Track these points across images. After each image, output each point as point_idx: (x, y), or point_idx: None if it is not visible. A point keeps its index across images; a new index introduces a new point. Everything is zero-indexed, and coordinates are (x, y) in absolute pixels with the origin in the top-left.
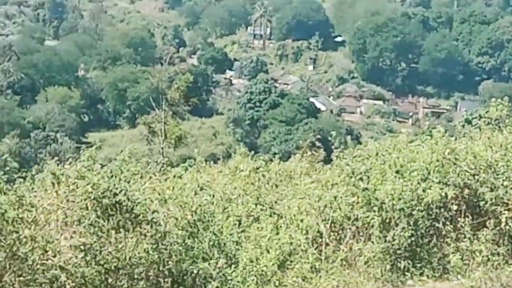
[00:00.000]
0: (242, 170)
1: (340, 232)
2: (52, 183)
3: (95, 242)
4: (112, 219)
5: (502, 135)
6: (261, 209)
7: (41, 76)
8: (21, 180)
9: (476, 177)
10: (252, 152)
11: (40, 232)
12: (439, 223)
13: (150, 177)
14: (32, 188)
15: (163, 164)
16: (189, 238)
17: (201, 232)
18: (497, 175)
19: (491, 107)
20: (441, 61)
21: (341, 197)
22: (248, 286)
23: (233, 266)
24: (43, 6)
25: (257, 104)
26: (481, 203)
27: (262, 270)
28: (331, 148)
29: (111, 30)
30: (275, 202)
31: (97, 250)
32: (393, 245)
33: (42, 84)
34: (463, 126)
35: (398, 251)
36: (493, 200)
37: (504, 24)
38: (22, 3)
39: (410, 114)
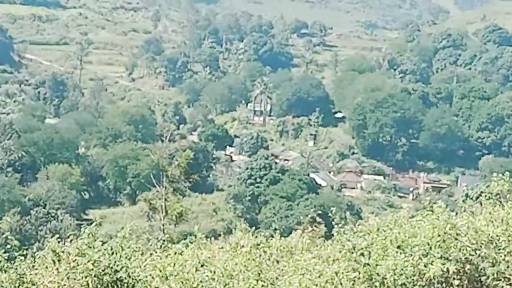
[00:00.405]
0: (243, 246)
1: None
2: (53, 260)
3: None
4: None
5: (504, 210)
6: (263, 285)
7: (41, 154)
8: (22, 257)
9: (478, 252)
10: (253, 228)
11: None
12: None
13: (151, 254)
14: (33, 266)
15: (164, 240)
16: None
17: None
18: (499, 250)
19: (492, 182)
20: (441, 137)
21: (342, 273)
22: None
23: None
24: (44, 84)
25: (258, 180)
26: (483, 278)
27: None
28: (332, 224)
29: (112, 108)
30: (277, 278)
31: None
32: None
33: (43, 162)
34: (464, 201)
35: None
36: (495, 275)
37: (503, 100)
38: (23, 82)
39: (411, 189)
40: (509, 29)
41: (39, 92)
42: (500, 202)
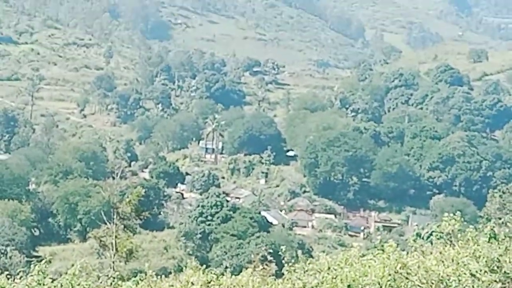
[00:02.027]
0: (193, 284)
1: None
2: None
3: None
4: None
5: (454, 250)
6: None
7: None
8: None
9: None
10: (204, 266)
11: None
12: None
13: None
14: None
15: (114, 278)
16: None
17: None
18: None
19: (443, 221)
20: (393, 176)
21: None
22: None
23: None
24: None
25: (209, 218)
26: None
27: None
28: (282, 262)
29: (63, 144)
30: None
31: None
32: None
33: None
34: (415, 240)
35: None
36: None
37: (454, 139)
38: None
39: (362, 228)
40: (460, 69)
41: None
42: (451, 241)
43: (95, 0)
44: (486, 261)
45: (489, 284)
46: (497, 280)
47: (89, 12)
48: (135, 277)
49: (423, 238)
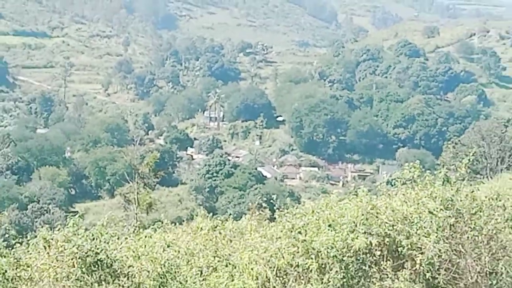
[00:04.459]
0: (202, 229)
1: (284, 277)
2: (44, 246)
3: None
4: (95, 274)
5: (415, 192)
6: (219, 261)
7: (34, 158)
8: (18, 244)
9: (395, 227)
10: (211, 214)
11: (35, 287)
12: (366, 266)
13: (126, 238)
14: (28, 251)
15: (137, 227)
16: (159, 287)
17: (169, 282)
18: (412, 225)
19: (405, 169)
20: (364, 134)
21: (283, 248)
22: None
23: None
24: (34, 101)
25: (214, 174)
26: (400, 249)
27: None
28: (275, 209)
29: (92, 119)
30: (230, 254)
31: None
32: (328, 286)
33: (36, 165)
34: (384, 186)
35: None
36: (409, 246)
37: (414, 102)
38: (17, 99)
39: (341, 177)
40: (417, 44)
41: (31, 108)
42: (412, 185)
43: None
44: (441, 201)
45: (444, 220)
46: (451, 215)
47: (108, 8)
48: (154, 225)
49: (391, 184)
